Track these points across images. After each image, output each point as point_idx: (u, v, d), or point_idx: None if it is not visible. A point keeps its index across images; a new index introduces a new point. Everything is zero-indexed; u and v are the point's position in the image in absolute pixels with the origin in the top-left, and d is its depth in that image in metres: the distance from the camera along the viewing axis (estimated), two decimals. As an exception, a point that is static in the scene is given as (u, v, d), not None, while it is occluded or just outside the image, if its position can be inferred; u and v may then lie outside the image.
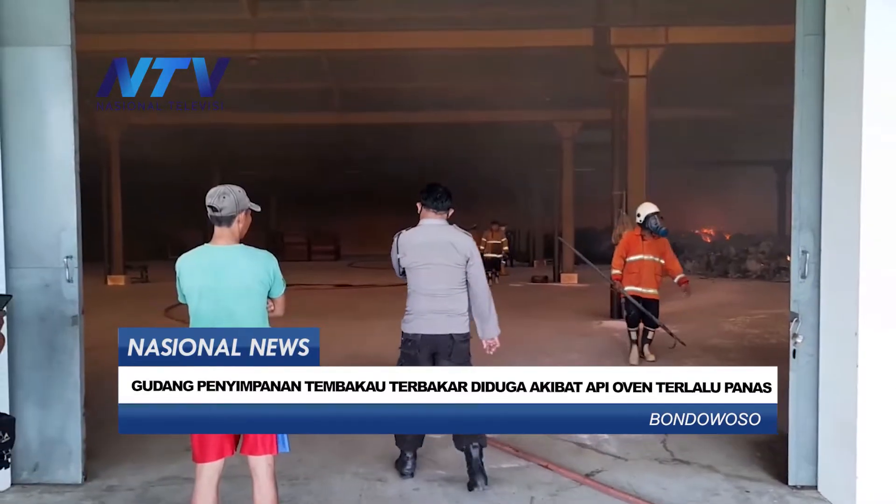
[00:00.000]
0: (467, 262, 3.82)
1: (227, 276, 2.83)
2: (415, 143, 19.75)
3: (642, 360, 7.23)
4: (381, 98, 15.69)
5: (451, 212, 3.93)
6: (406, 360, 3.86)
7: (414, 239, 3.86)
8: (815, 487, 3.78)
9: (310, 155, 22.93)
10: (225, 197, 2.84)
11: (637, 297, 7.04)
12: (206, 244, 2.92)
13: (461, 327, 3.83)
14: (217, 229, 2.88)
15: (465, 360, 3.83)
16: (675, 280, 7.11)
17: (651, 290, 7.04)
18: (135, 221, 19.46)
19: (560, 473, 4.05)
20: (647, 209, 7.07)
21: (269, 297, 2.95)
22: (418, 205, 3.94)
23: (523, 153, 21.69)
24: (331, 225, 30.77)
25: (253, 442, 2.82)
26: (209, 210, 2.85)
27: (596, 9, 11.16)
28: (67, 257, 3.86)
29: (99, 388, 5.16)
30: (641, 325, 7.25)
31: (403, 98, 15.61)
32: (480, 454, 3.85)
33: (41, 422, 3.89)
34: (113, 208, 17.66)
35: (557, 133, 17.70)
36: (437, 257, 3.79)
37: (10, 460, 2.68)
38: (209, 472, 2.86)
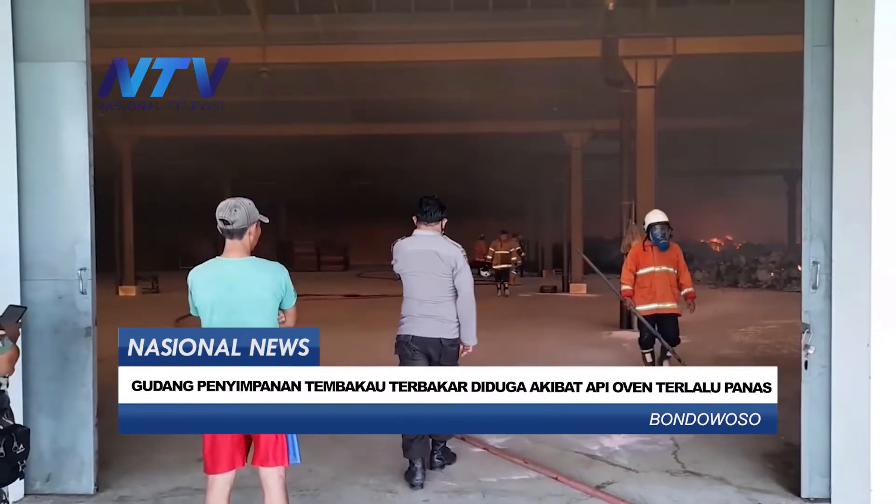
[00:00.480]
0: (453, 271, 4.01)
1: (239, 288, 2.86)
2: (424, 153, 19.84)
3: None
4: (391, 109, 15.79)
5: (444, 222, 4.16)
6: (402, 361, 4.08)
7: (406, 247, 4.13)
8: (829, 500, 3.74)
9: (320, 166, 23.07)
10: (236, 210, 2.87)
11: (655, 315, 6.47)
12: (217, 257, 2.95)
13: (450, 333, 4.04)
14: (228, 242, 2.91)
15: (454, 363, 4.07)
16: (683, 293, 6.58)
17: (669, 304, 6.45)
18: (146, 232, 19.62)
19: (570, 486, 4.03)
20: (652, 217, 6.54)
21: (280, 309, 2.97)
22: (414, 218, 4.18)
23: (532, 163, 21.74)
24: (340, 235, 30.88)
25: (265, 453, 2.84)
26: (220, 223, 2.88)
27: (604, 20, 11.20)
28: (81, 269, 3.89)
29: (112, 399, 5.20)
30: (658, 345, 6.65)
31: (413, 109, 15.70)
32: (444, 445, 4.32)
33: (54, 432, 3.92)
34: (125, 219, 17.83)
35: (566, 143, 17.73)
36: (425, 266, 4.03)
37: (24, 471, 2.70)
38: (220, 484, 2.87)
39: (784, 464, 4.32)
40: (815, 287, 3.75)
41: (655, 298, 6.42)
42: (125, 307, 14.55)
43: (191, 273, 2.94)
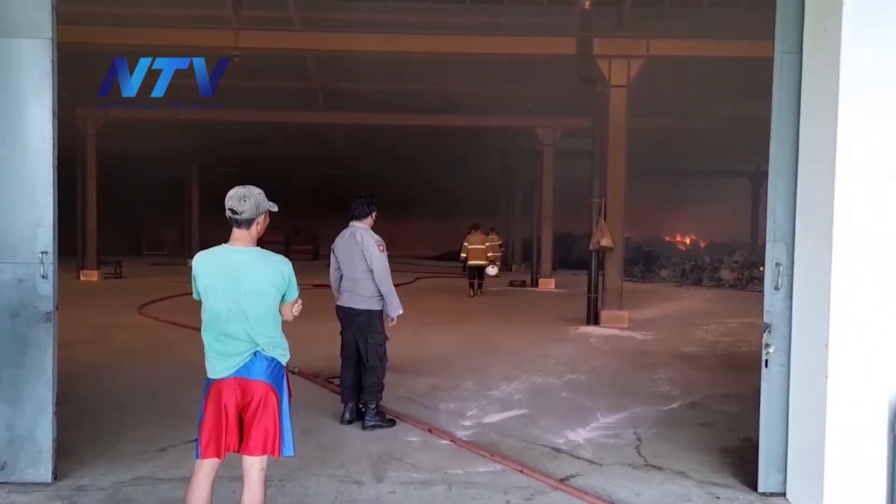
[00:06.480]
0: (368, 259, 5.01)
1: (243, 278, 2.85)
2: (395, 144, 19.75)
3: None
4: (364, 99, 15.65)
5: (374, 215, 5.18)
6: (341, 325, 5.24)
7: (340, 237, 5.24)
8: (784, 495, 3.86)
9: (291, 153, 22.78)
10: (245, 200, 2.86)
11: None
12: (224, 244, 2.93)
13: (361, 304, 5.07)
14: (235, 231, 2.90)
15: (362, 329, 5.06)
16: None
17: None
18: (110, 216, 19.15)
19: (535, 478, 4.07)
20: None
21: (282, 301, 2.96)
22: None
23: (505, 158, 21.80)
24: (309, 223, 30.58)
25: (255, 442, 2.82)
26: (229, 212, 2.87)
27: (580, 19, 11.25)
28: (42, 253, 3.79)
29: (73, 386, 5.08)
30: None
31: (385, 99, 15.59)
32: (375, 408, 5.05)
33: (10, 419, 3.80)
34: (87, 202, 17.35)
35: (539, 139, 17.82)
36: (351, 252, 5.10)
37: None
38: (207, 469, 2.86)
39: (741, 459, 4.43)
40: (776, 288, 3.85)
41: None
42: (87, 293, 14.21)
43: (195, 258, 2.94)
